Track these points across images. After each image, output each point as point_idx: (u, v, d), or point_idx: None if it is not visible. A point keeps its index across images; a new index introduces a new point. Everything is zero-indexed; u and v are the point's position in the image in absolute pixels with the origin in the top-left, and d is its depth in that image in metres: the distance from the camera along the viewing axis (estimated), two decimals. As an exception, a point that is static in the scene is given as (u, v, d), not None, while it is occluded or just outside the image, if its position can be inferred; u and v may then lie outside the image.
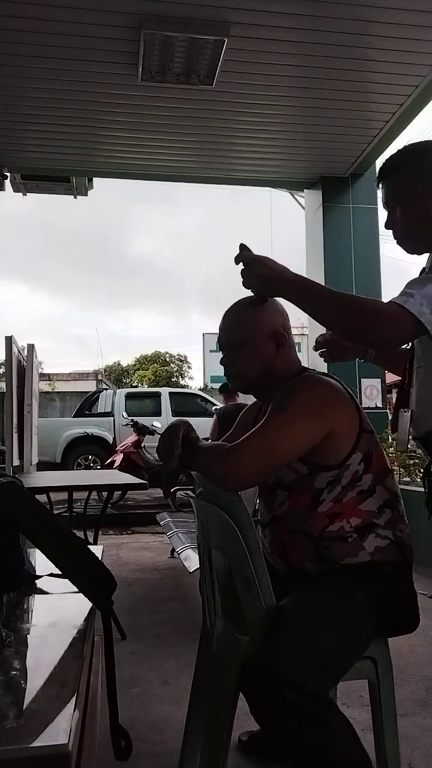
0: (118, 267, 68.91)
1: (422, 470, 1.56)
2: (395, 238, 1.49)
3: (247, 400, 1.71)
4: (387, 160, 1.48)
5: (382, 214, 1.52)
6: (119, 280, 68.16)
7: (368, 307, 1.27)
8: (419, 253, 1.47)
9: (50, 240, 70.53)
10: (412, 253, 1.48)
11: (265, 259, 1.36)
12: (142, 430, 7.73)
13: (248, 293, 1.48)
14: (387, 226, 1.49)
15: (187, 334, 64.17)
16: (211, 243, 71.48)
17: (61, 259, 68.99)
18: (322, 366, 2.13)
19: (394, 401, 1.57)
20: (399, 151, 1.47)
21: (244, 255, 1.37)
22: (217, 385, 9.24)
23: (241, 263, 1.37)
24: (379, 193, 1.50)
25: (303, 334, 8.67)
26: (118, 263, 68.35)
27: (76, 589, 1.03)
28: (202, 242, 71.86)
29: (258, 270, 1.35)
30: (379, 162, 5.33)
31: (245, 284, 1.40)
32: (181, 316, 63.35)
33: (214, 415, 5.80)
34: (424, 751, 1.76)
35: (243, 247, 1.38)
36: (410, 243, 1.47)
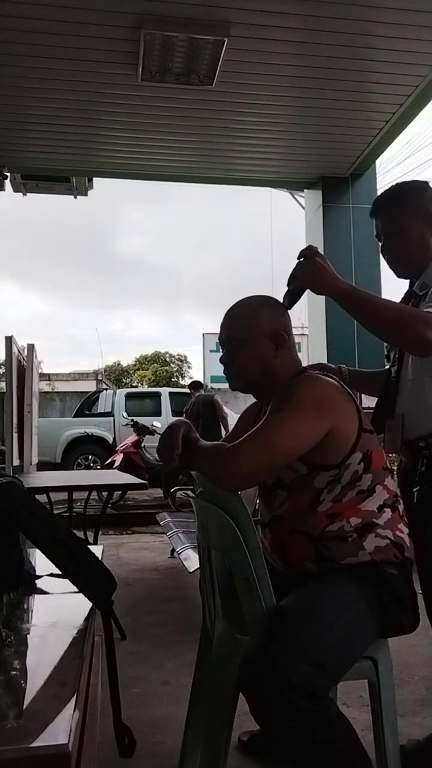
0: (111, 266, 68.36)
1: (397, 469, 1.70)
2: (389, 263, 1.71)
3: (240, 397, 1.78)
4: (382, 195, 1.71)
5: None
6: (112, 280, 67.72)
7: (420, 317, 1.40)
8: (412, 278, 1.68)
9: (40, 239, 70.10)
10: (404, 278, 1.71)
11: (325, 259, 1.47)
12: (142, 430, 7.73)
13: (250, 293, 1.49)
14: (383, 253, 1.71)
15: (184, 334, 64.06)
16: (208, 243, 71.28)
17: (51, 258, 68.63)
18: (322, 366, 2.14)
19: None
20: (393, 187, 1.71)
21: (312, 248, 1.47)
22: (217, 386, 9.30)
23: (303, 256, 1.47)
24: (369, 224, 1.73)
25: (303, 335, 8.66)
26: (111, 263, 67.90)
27: (76, 589, 1.03)
28: (198, 242, 71.54)
29: (319, 262, 1.44)
30: (379, 162, 5.37)
31: (296, 271, 1.47)
32: (178, 315, 63.21)
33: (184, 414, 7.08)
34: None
35: (311, 246, 1.49)
36: (406, 268, 1.68)
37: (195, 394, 7.50)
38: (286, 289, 1.50)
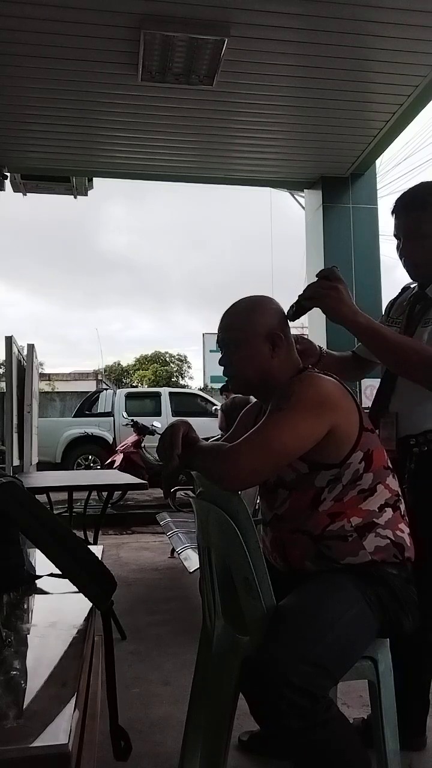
0: (102, 266, 67.66)
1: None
2: (404, 265, 1.69)
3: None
4: (407, 193, 1.64)
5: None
6: (103, 280, 67.16)
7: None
8: (426, 282, 1.67)
9: (29, 238, 69.61)
10: (417, 280, 1.71)
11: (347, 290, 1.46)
12: (142, 430, 7.72)
13: (248, 292, 1.49)
14: (400, 254, 1.67)
15: (182, 334, 63.38)
16: (205, 242, 70.96)
17: (40, 258, 68.22)
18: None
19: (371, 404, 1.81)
20: (418, 187, 1.64)
21: (334, 271, 1.46)
22: (217, 385, 9.28)
23: (323, 277, 1.46)
24: (387, 220, 1.76)
25: (303, 335, 8.67)
26: (102, 263, 67.24)
27: (76, 589, 1.03)
28: (194, 242, 71.13)
29: (341, 292, 1.44)
30: (379, 162, 5.37)
31: (314, 293, 1.45)
32: (175, 316, 62.86)
33: (220, 411, 6.67)
34: (424, 751, 1.76)
35: (333, 270, 1.47)
36: (420, 273, 1.67)
37: (229, 396, 7.29)
38: (295, 300, 1.48)
